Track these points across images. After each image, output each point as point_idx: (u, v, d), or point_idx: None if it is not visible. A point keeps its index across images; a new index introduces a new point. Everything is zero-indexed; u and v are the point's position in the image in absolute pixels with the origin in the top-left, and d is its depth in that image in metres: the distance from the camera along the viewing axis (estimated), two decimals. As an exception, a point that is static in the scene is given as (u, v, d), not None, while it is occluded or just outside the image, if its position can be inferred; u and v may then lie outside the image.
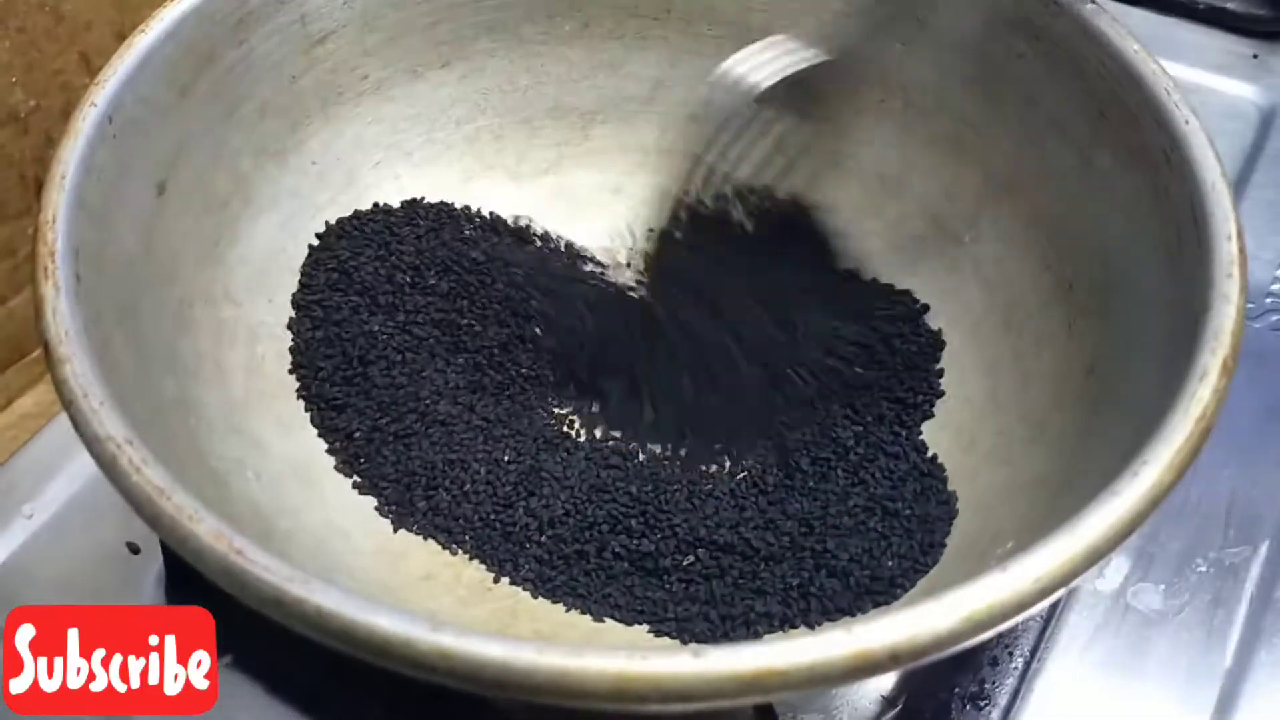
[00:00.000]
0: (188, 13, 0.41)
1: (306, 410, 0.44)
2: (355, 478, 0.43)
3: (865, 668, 0.26)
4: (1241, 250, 0.34)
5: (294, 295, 0.46)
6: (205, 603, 0.32)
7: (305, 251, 0.47)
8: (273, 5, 0.44)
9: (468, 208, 0.50)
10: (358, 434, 0.43)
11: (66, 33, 0.49)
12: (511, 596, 0.41)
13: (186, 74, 0.41)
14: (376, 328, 0.45)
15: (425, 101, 0.50)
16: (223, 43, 0.42)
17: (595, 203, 0.52)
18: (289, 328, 0.45)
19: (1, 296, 0.51)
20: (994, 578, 0.27)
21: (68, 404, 0.31)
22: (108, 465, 0.29)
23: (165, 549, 0.43)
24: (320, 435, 0.43)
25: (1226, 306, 0.32)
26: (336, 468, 0.43)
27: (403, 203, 0.49)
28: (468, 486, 0.43)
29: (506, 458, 0.43)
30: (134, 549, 0.44)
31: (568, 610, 0.40)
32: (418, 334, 0.46)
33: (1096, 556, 0.28)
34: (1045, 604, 0.28)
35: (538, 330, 0.47)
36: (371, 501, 0.42)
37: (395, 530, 0.42)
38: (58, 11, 0.48)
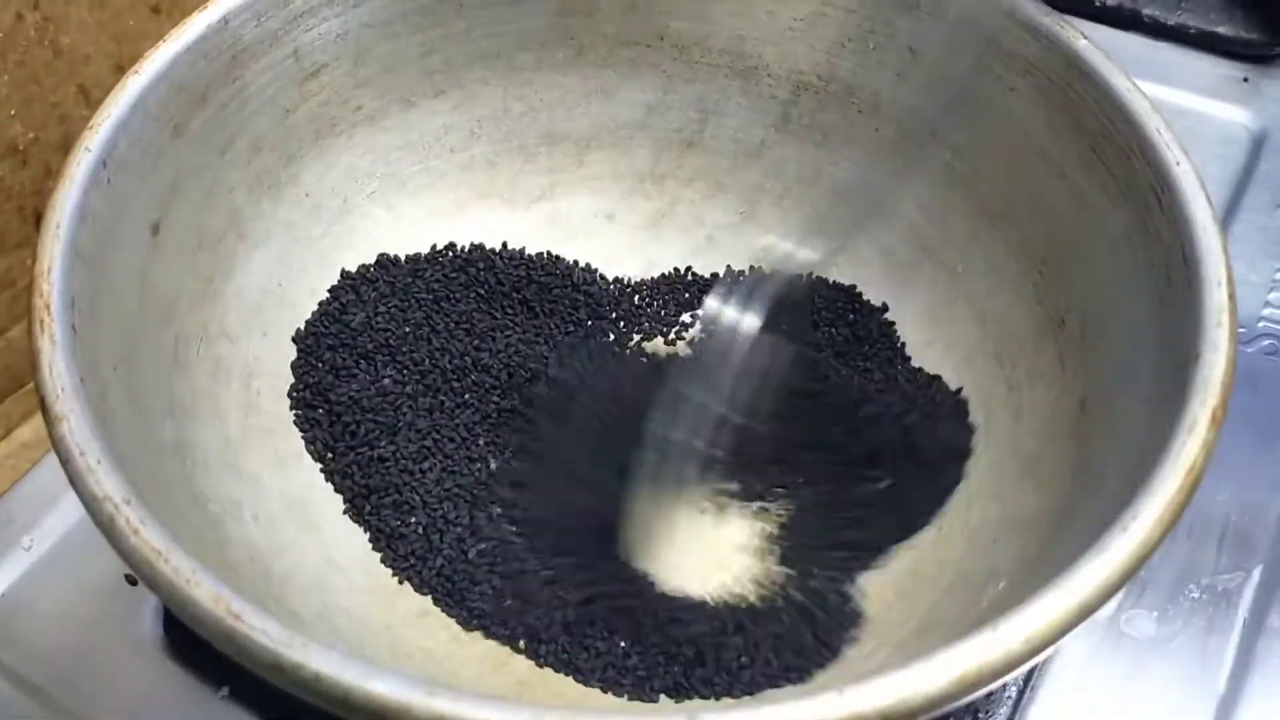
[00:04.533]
0: (181, 52, 0.41)
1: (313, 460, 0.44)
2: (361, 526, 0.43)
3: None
4: (1232, 296, 0.33)
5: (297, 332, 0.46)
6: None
7: (299, 284, 0.47)
8: (266, 41, 0.44)
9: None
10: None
11: (65, 66, 0.49)
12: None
13: (180, 113, 0.41)
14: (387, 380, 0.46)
15: (419, 131, 0.50)
16: (216, 81, 0.42)
17: (589, 229, 0.52)
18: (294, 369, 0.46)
19: (0, 327, 0.51)
20: (984, 637, 0.27)
21: (64, 461, 0.31)
22: (105, 526, 0.29)
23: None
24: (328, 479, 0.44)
25: (1216, 356, 0.32)
26: (345, 512, 0.43)
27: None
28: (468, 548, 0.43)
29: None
30: (132, 580, 0.44)
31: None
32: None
33: (1087, 612, 0.28)
34: (1039, 659, 0.28)
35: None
36: (367, 538, 0.43)
37: (397, 580, 0.42)
38: (56, 45, 0.48)
